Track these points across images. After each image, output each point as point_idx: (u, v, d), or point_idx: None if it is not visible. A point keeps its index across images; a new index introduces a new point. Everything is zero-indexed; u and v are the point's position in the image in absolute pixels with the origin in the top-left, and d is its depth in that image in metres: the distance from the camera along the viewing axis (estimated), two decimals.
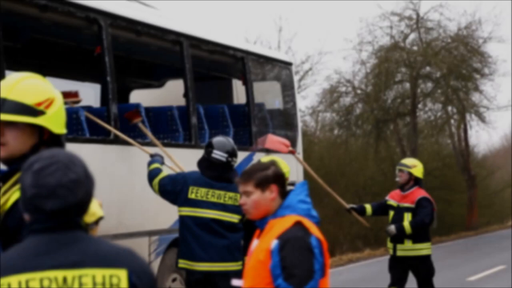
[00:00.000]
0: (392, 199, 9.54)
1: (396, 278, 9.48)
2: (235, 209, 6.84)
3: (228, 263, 6.83)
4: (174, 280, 8.10)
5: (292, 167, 10.29)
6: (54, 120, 3.19)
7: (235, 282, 5.05)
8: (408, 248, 9.36)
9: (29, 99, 3.17)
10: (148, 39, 8.25)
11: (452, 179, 33.75)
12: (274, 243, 3.80)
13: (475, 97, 30.49)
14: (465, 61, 28.84)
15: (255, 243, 3.97)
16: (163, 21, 8.36)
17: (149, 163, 7.15)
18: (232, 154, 6.93)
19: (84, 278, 2.35)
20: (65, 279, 2.34)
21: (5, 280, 2.31)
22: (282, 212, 3.92)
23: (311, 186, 10.14)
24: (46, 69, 8.52)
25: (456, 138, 34.13)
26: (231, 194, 6.88)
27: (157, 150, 7.59)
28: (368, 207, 9.65)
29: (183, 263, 6.82)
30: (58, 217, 2.39)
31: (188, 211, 6.79)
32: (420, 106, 30.37)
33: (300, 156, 10.84)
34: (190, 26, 8.98)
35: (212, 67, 9.98)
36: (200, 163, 6.96)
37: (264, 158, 8.41)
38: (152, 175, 7.03)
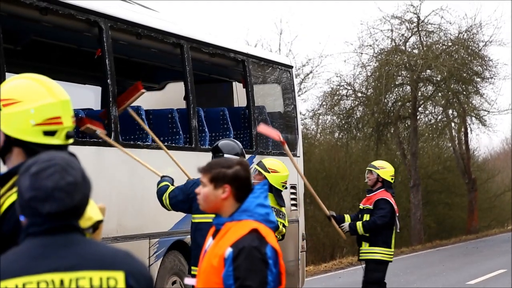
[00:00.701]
0: (361, 203, 9.61)
1: None
2: None
3: None
4: (174, 283, 8.09)
5: (293, 169, 10.28)
6: (6, 120, 3.19)
7: (187, 280, 4.95)
8: (364, 251, 9.33)
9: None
10: (149, 42, 8.25)
11: (452, 183, 33.76)
12: (228, 251, 3.71)
13: (476, 100, 30.50)
14: (465, 65, 28.83)
15: (210, 241, 3.89)
16: (164, 24, 8.36)
17: (158, 183, 7.10)
18: (242, 155, 6.89)
19: (81, 280, 2.35)
20: (62, 282, 2.34)
21: (2, 284, 2.31)
22: (239, 216, 3.81)
23: (312, 188, 10.07)
24: (46, 72, 8.49)
25: (457, 141, 34.13)
26: None
27: (169, 172, 7.39)
28: (347, 217, 9.58)
29: (196, 271, 6.70)
30: (55, 220, 2.38)
31: (202, 217, 6.73)
32: (420, 109, 30.36)
33: (301, 159, 10.83)
34: (190, 29, 8.99)
35: (213, 70, 9.98)
36: None
37: (266, 160, 8.38)
38: (161, 191, 6.97)
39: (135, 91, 7.31)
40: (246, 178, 3.86)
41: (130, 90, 7.35)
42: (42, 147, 3.19)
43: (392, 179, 9.46)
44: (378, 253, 9.26)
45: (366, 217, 9.26)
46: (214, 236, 3.89)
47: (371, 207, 9.29)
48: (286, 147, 8.33)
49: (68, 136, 3.25)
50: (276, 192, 7.80)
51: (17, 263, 2.34)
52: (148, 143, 7.84)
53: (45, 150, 3.17)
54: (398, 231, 9.33)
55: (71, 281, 2.35)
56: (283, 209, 7.88)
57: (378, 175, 9.34)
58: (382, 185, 9.34)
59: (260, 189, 3.88)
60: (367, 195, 9.44)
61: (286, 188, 8.08)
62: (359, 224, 9.22)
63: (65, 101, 3.29)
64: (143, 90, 7.34)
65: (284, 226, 7.83)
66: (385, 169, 9.42)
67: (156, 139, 7.54)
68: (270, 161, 8.06)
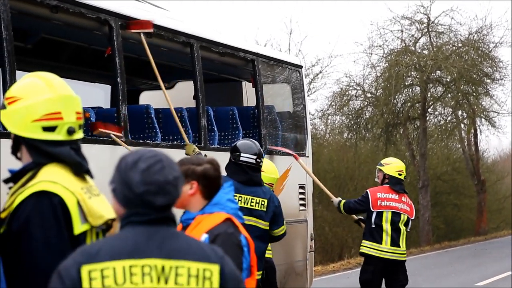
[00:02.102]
0: None
1: None
2: (262, 214, 6.80)
3: None
4: None
5: (301, 170, 10.27)
6: (9, 117, 3.20)
7: None
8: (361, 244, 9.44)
9: (7, 94, 3.24)
10: (159, 41, 8.25)
11: (461, 184, 33.70)
12: (203, 237, 3.76)
13: (486, 101, 30.43)
14: (475, 66, 28.76)
15: None
16: (174, 22, 8.36)
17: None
18: (260, 155, 6.86)
19: (180, 269, 2.57)
20: (163, 268, 2.56)
21: (111, 265, 2.52)
22: (211, 209, 3.87)
23: (320, 189, 10.04)
24: (56, 70, 8.51)
25: (466, 142, 34.05)
26: (257, 199, 6.81)
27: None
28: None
29: None
30: (162, 211, 2.62)
31: None
32: (430, 110, 30.31)
33: (310, 159, 10.81)
34: (200, 28, 8.98)
35: (222, 69, 9.98)
36: (227, 168, 6.88)
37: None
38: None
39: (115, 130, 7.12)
40: (215, 177, 3.93)
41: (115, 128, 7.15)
42: (43, 143, 3.19)
43: (399, 174, 9.28)
44: (363, 246, 9.26)
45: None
46: None
47: None
48: (300, 161, 8.46)
49: (70, 132, 3.23)
50: None
51: (123, 247, 2.55)
52: (158, 142, 7.84)
53: (47, 146, 3.18)
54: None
55: (171, 268, 2.56)
56: None
57: (384, 172, 9.29)
58: (387, 181, 9.25)
59: (228, 187, 3.96)
60: None
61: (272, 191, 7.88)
62: (342, 201, 9.38)
63: (66, 96, 3.27)
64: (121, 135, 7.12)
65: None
66: (390, 165, 9.31)
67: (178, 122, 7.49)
68: (263, 162, 7.98)
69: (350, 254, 23.04)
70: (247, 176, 6.76)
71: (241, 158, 6.73)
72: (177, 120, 7.42)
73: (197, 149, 7.53)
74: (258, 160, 6.79)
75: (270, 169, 7.83)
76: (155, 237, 2.59)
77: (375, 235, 9.16)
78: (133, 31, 7.25)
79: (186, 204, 3.91)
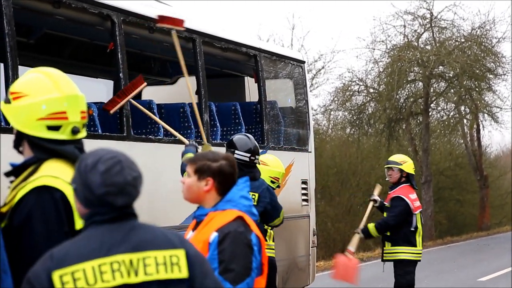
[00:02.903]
0: (386, 201, 9.22)
1: None
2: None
3: None
4: None
5: (304, 165, 10.28)
6: (14, 113, 3.20)
7: None
8: (387, 251, 8.97)
9: (12, 88, 3.23)
10: (161, 36, 8.25)
11: (464, 179, 33.69)
12: (213, 235, 3.74)
13: (488, 97, 30.39)
14: (478, 61, 28.72)
15: (190, 234, 3.91)
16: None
17: (183, 154, 7.09)
18: (254, 152, 6.86)
19: (148, 259, 2.65)
20: (131, 262, 2.63)
21: (80, 267, 2.57)
22: (223, 205, 3.85)
23: (323, 184, 10.07)
24: (59, 65, 8.51)
25: (469, 138, 34.03)
26: (250, 193, 6.83)
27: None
28: (371, 226, 9.15)
29: None
30: (122, 210, 2.70)
31: None
32: (432, 105, 30.28)
33: (312, 154, 10.81)
34: (203, 24, 8.98)
35: (225, 64, 9.98)
36: None
37: (265, 154, 8.36)
38: (182, 169, 7.00)
39: (138, 84, 7.18)
40: (230, 173, 3.91)
41: (133, 83, 7.24)
42: (47, 141, 3.19)
43: (414, 171, 9.10)
44: (401, 252, 8.86)
45: (385, 215, 9.02)
46: (194, 229, 3.91)
47: (388, 204, 9.03)
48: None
49: (74, 132, 3.22)
50: None
51: (90, 248, 2.61)
52: (160, 137, 7.84)
53: (50, 144, 3.18)
54: (412, 229, 8.87)
55: (139, 260, 2.64)
56: None
57: (401, 170, 8.98)
58: (406, 180, 8.98)
59: (243, 183, 3.94)
60: (389, 192, 9.11)
61: (278, 186, 7.93)
62: (371, 226, 8.93)
63: (72, 96, 3.25)
64: (146, 83, 7.26)
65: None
66: (407, 163, 9.03)
67: (166, 125, 7.49)
68: (267, 156, 8.04)
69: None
70: (241, 173, 6.77)
71: (235, 156, 6.76)
72: (199, 118, 7.42)
73: (212, 150, 7.52)
74: (252, 157, 6.80)
75: (274, 163, 7.85)
76: (118, 233, 2.66)
77: (412, 239, 8.89)
78: (164, 26, 7.00)
79: (201, 199, 3.89)
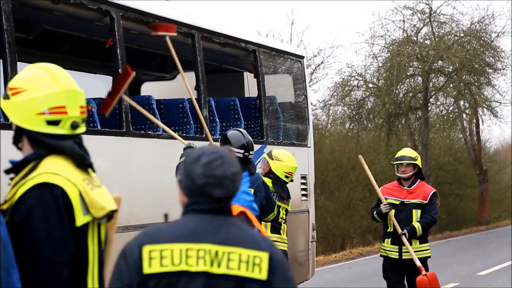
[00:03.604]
0: (390, 196, 8.66)
1: None
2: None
3: None
4: None
5: (303, 160, 10.28)
6: (12, 109, 3.20)
7: None
8: (415, 249, 8.54)
9: (10, 84, 3.23)
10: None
11: (463, 174, 33.70)
12: None
13: (488, 91, 30.40)
14: (477, 56, 28.71)
15: None
16: (175, 13, 8.35)
17: (181, 156, 7.13)
18: (248, 148, 6.88)
19: (232, 254, 2.81)
20: (216, 253, 2.80)
21: (169, 246, 2.79)
22: None
23: (322, 179, 10.06)
24: (57, 61, 8.50)
25: (468, 132, 34.04)
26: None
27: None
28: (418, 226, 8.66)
29: None
30: (219, 202, 2.87)
31: None
32: (432, 100, 30.28)
33: (311, 149, 10.81)
34: (202, 19, 8.97)
35: (224, 60, 9.97)
36: None
37: (276, 149, 8.42)
38: (179, 168, 7.02)
39: (127, 76, 7.18)
40: None
41: (120, 77, 7.24)
42: (46, 136, 3.18)
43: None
44: (428, 249, 8.73)
45: (417, 212, 8.52)
46: None
47: (423, 201, 8.54)
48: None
49: (73, 126, 3.22)
50: (277, 181, 7.86)
51: (181, 231, 2.83)
52: (159, 133, 7.84)
53: (50, 139, 3.17)
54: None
55: (224, 254, 2.80)
56: (283, 204, 7.96)
57: (416, 165, 8.64)
58: (417, 175, 8.67)
59: (243, 178, 3.95)
60: (406, 188, 8.60)
61: (292, 180, 8.05)
62: (418, 226, 8.50)
63: (71, 90, 3.25)
64: (133, 73, 7.24)
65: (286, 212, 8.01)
66: (419, 157, 8.75)
67: (164, 126, 7.49)
68: (278, 151, 8.18)
69: (352, 244, 23.06)
70: None
71: None
72: (201, 117, 7.43)
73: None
74: (246, 153, 6.82)
75: (287, 158, 7.96)
76: (212, 225, 2.84)
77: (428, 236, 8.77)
78: (159, 33, 7.26)
79: None
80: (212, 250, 2.80)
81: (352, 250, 21.26)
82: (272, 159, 7.96)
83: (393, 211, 8.60)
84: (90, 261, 3.18)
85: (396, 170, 8.77)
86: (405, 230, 8.52)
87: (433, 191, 8.69)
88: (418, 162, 8.69)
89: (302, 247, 10.17)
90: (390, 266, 8.71)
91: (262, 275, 2.81)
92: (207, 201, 2.86)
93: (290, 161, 8.01)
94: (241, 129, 7.21)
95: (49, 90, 3.20)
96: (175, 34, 7.14)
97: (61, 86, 3.22)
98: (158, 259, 2.77)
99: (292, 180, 8.09)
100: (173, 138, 7.72)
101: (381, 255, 8.93)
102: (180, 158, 7.04)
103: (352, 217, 24.83)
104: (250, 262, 2.81)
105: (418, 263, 8.52)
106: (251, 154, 6.94)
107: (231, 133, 7.04)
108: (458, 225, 31.62)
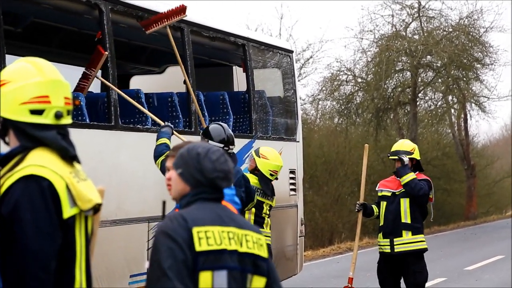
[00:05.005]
0: (385, 188, 8.54)
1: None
2: None
3: None
4: None
5: (292, 155, 10.28)
6: None
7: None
8: (407, 241, 8.31)
9: None
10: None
11: (451, 169, 33.78)
12: None
13: (476, 86, 30.50)
14: (466, 51, 28.79)
15: None
16: (164, 7, 8.34)
17: (158, 137, 7.15)
18: (228, 142, 6.90)
19: (248, 236, 3.33)
20: (238, 235, 3.30)
21: (210, 228, 3.24)
22: None
23: (311, 173, 10.09)
24: (46, 54, 8.50)
25: (456, 127, 34.15)
26: None
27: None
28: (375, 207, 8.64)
29: None
30: (221, 193, 3.37)
31: None
32: (420, 95, 30.36)
33: (300, 144, 10.82)
34: (191, 12, 8.96)
35: (213, 53, 9.96)
36: None
37: (264, 147, 8.44)
38: (157, 152, 7.08)
39: (99, 56, 7.19)
40: None
41: (93, 57, 7.25)
42: (30, 126, 3.18)
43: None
44: (423, 241, 8.39)
45: (405, 201, 8.31)
46: None
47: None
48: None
49: (57, 116, 3.22)
50: (262, 178, 7.99)
51: (210, 216, 3.27)
52: (148, 127, 7.83)
53: (33, 130, 3.17)
54: (432, 220, 8.61)
55: (243, 235, 3.31)
56: (267, 201, 8.02)
57: (412, 158, 8.44)
58: (415, 167, 8.45)
59: None
60: (399, 179, 8.40)
61: (276, 178, 8.16)
62: (412, 175, 8.28)
63: (55, 80, 3.26)
64: (106, 53, 7.24)
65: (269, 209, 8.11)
66: (416, 149, 8.52)
67: (138, 105, 7.53)
68: (265, 148, 8.25)
69: (341, 239, 23.10)
70: None
71: None
72: (198, 110, 7.43)
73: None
74: (226, 148, 6.83)
75: (273, 156, 8.09)
76: (224, 212, 3.33)
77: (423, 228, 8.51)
78: (152, 30, 7.65)
79: None
80: (236, 232, 3.29)
81: (340, 244, 21.29)
82: (259, 157, 8.08)
83: (385, 203, 8.51)
84: (78, 253, 3.18)
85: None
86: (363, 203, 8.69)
87: (424, 178, 8.44)
88: (415, 155, 8.47)
89: (291, 242, 10.18)
90: (383, 263, 8.55)
91: (266, 253, 3.37)
92: (214, 191, 3.33)
93: (276, 159, 8.13)
94: (222, 123, 7.21)
95: (33, 79, 3.21)
96: (170, 22, 7.27)
97: (45, 76, 3.23)
98: (205, 239, 3.20)
99: (277, 178, 8.22)
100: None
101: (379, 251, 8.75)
102: (157, 139, 7.08)
103: (340, 211, 24.86)
104: (257, 243, 3.34)
105: None
106: (231, 149, 6.96)
107: (212, 127, 7.07)
108: (446, 220, 31.72)
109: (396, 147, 8.69)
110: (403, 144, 8.66)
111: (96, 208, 3.29)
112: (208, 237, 3.22)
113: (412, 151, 8.50)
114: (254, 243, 3.33)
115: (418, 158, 8.54)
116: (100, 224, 3.45)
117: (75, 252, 3.17)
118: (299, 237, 10.47)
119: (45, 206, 3.08)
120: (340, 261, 17.44)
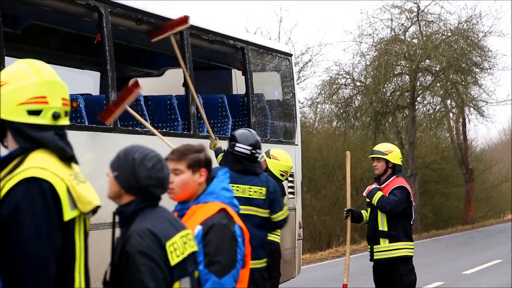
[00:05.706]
0: (366, 194, 8.44)
1: None
2: (260, 203, 6.79)
3: (251, 261, 6.74)
4: None
5: (291, 158, 10.28)
6: None
7: None
8: (384, 249, 8.19)
9: None
10: (148, 28, 8.23)
11: (449, 173, 33.80)
12: (197, 229, 3.78)
13: (474, 91, 30.52)
14: (465, 55, 28.81)
15: None
16: (163, 9, 8.34)
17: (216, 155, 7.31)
18: (255, 146, 6.83)
19: (188, 235, 3.47)
20: (187, 237, 3.44)
21: (174, 239, 3.35)
22: (205, 198, 3.88)
23: (309, 177, 10.09)
24: (45, 56, 8.50)
25: (455, 131, 34.17)
26: (255, 188, 6.79)
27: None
28: (364, 213, 8.65)
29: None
30: (159, 199, 3.41)
31: (246, 209, 6.63)
32: (419, 99, 30.37)
33: (299, 147, 10.83)
34: (190, 15, 8.96)
35: (212, 57, 9.96)
36: (225, 156, 6.94)
37: (274, 148, 8.47)
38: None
39: (133, 89, 7.13)
40: (211, 161, 4.04)
41: (128, 89, 7.18)
42: (27, 127, 3.18)
43: (401, 161, 8.38)
44: (403, 248, 8.25)
45: (379, 212, 8.21)
46: None
47: None
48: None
49: (55, 117, 3.22)
50: (273, 179, 7.88)
51: (167, 226, 3.35)
52: (147, 130, 7.83)
53: (31, 130, 3.17)
54: (411, 222, 8.35)
55: (186, 236, 3.43)
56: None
57: (387, 160, 8.23)
58: (392, 171, 8.25)
59: (223, 175, 3.96)
60: (380, 186, 8.29)
61: (286, 179, 8.28)
62: (378, 194, 8.15)
63: (52, 81, 3.26)
64: (140, 88, 7.21)
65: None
66: (393, 153, 8.28)
67: (156, 132, 7.52)
68: (276, 150, 8.31)
69: (338, 242, 23.10)
70: (242, 166, 6.77)
71: (236, 148, 6.76)
72: (204, 116, 7.43)
73: (218, 144, 7.80)
74: (253, 151, 6.78)
75: (284, 157, 8.12)
76: (171, 215, 3.43)
77: (410, 233, 8.37)
78: (159, 38, 7.90)
79: (195, 193, 3.92)
80: (184, 235, 3.41)
81: (338, 248, 21.30)
82: (270, 158, 8.10)
83: (369, 209, 8.44)
84: (77, 255, 3.18)
85: None
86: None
87: (399, 185, 8.24)
88: (390, 157, 8.24)
89: (289, 245, 10.18)
90: (374, 271, 8.49)
91: (196, 247, 3.53)
92: (149, 197, 3.36)
93: (287, 160, 8.18)
94: (250, 129, 7.19)
95: (30, 80, 3.21)
96: (176, 31, 7.43)
97: (42, 77, 3.24)
98: (174, 252, 3.32)
99: (287, 179, 8.32)
100: (161, 135, 7.72)
101: None
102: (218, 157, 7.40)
103: (338, 215, 24.85)
104: (190, 239, 3.47)
105: None
106: (259, 153, 6.87)
107: (239, 132, 6.98)
108: (444, 224, 31.74)
109: (375, 147, 8.61)
110: (381, 146, 8.54)
111: (95, 210, 3.30)
112: (176, 249, 3.33)
113: (386, 153, 8.30)
114: (190, 240, 3.44)
115: (396, 162, 8.29)
116: (99, 226, 3.48)
117: (75, 255, 3.17)
118: (297, 240, 10.47)
119: (46, 209, 3.08)
120: (338, 265, 17.44)
